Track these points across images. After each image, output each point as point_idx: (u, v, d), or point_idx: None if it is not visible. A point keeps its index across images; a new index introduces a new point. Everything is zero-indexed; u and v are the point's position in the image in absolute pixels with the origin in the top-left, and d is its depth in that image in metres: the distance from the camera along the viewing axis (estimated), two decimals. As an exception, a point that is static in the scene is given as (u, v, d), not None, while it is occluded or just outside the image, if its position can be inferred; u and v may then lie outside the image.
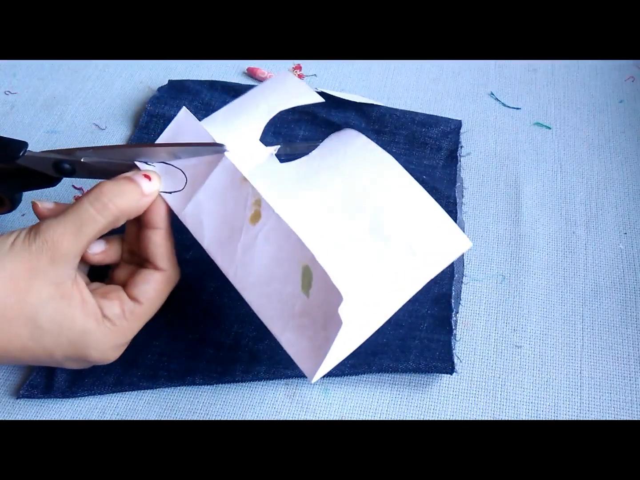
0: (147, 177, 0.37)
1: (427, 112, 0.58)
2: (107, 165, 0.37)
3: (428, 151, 0.55)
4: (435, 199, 0.51)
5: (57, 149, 0.37)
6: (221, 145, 0.36)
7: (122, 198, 0.35)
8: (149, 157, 0.37)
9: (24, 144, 0.36)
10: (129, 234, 0.39)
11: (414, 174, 0.52)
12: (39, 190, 0.41)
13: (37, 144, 0.56)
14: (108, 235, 0.38)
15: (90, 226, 0.34)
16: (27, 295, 0.33)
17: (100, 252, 0.38)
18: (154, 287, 0.37)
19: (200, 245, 0.49)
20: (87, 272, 0.40)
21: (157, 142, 0.39)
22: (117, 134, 0.57)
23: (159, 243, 0.37)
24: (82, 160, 0.36)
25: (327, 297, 0.33)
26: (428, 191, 0.51)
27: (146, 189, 0.36)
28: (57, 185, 0.40)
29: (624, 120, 0.58)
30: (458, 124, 0.57)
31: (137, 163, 0.37)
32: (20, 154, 0.36)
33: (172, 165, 0.37)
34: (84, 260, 0.38)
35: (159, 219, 0.37)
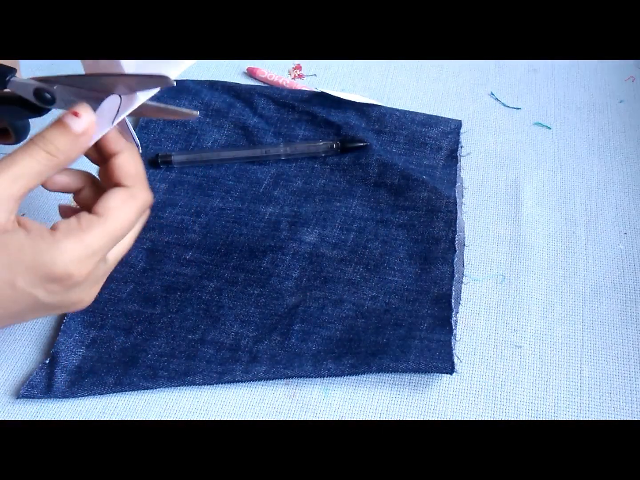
0: (75, 114, 0.35)
1: (427, 112, 0.58)
2: (81, 94, 0.36)
3: (428, 151, 0.55)
4: (435, 199, 0.51)
5: (39, 76, 0.37)
6: (167, 77, 0.35)
7: (54, 142, 0.34)
8: (114, 87, 0.36)
9: (11, 70, 0.36)
10: (101, 176, 0.38)
11: (414, 174, 0.53)
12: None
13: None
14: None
15: (22, 170, 0.34)
16: None
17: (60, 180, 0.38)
18: (115, 199, 0.36)
19: (201, 245, 0.49)
20: None
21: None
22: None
23: (122, 164, 0.37)
24: (55, 87, 0.35)
25: None
26: (428, 191, 0.52)
27: (77, 127, 0.35)
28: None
29: (624, 120, 0.58)
30: (458, 124, 0.57)
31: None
32: (7, 78, 0.36)
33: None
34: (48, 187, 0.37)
35: (114, 143, 0.37)
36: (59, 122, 0.35)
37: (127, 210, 0.36)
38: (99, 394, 0.42)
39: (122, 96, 0.36)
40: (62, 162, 0.35)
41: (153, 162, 0.55)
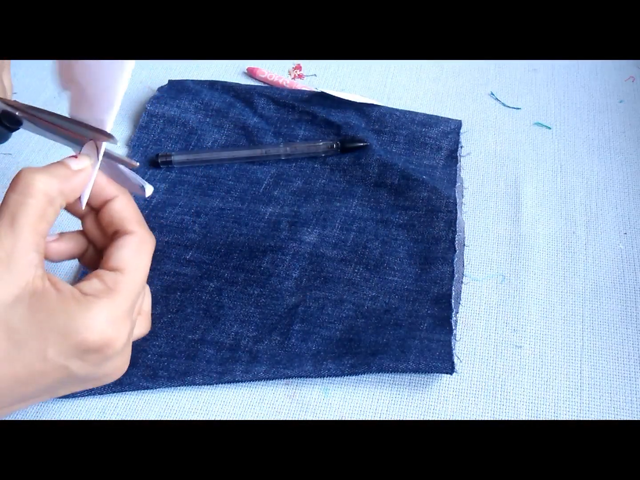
0: (74, 157, 0.34)
1: (427, 112, 0.58)
2: (49, 128, 0.35)
3: (428, 151, 0.55)
4: (435, 199, 0.51)
5: (6, 99, 0.36)
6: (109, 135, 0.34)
7: (48, 175, 0.32)
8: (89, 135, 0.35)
9: None
10: (89, 229, 0.36)
11: (414, 174, 0.53)
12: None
13: (37, 144, 0.57)
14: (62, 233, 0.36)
15: (23, 213, 0.31)
16: None
17: (53, 240, 0.35)
18: (129, 250, 0.34)
19: (201, 245, 0.49)
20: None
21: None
22: (117, 134, 0.57)
23: (120, 208, 0.35)
24: (18, 114, 0.34)
25: None
26: (428, 191, 0.52)
27: (74, 166, 0.33)
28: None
29: (624, 120, 0.58)
30: (458, 124, 0.57)
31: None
32: None
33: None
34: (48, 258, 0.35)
35: (111, 188, 0.35)
36: (53, 163, 0.33)
37: (145, 257, 0.34)
38: (99, 393, 0.43)
39: (97, 142, 0.34)
40: (55, 199, 0.32)
41: (153, 162, 0.55)
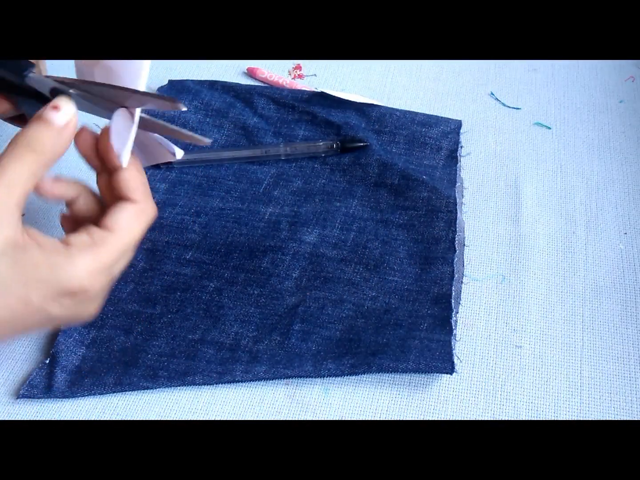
0: (55, 107, 0.35)
1: (427, 112, 0.58)
2: (95, 101, 0.36)
3: (428, 151, 0.55)
4: (435, 199, 0.51)
5: (57, 76, 0.37)
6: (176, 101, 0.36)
7: (40, 140, 0.34)
8: (125, 100, 0.36)
9: (30, 65, 0.37)
10: (100, 185, 0.38)
11: (414, 174, 0.53)
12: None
13: (37, 144, 0.56)
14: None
15: (13, 176, 0.33)
16: None
17: (52, 181, 0.37)
18: (126, 215, 0.36)
19: (201, 245, 0.49)
20: None
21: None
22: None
23: (129, 178, 0.36)
24: (71, 91, 0.35)
25: None
26: (428, 191, 0.52)
27: (59, 120, 0.35)
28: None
29: (624, 120, 0.58)
30: (458, 124, 0.57)
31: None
32: (25, 73, 0.36)
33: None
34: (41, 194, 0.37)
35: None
36: (39, 118, 0.35)
37: (137, 225, 0.36)
38: (99, 394, 0.42)
39: (130, 109, 0.36)
40: (49, 159, 0.35)
41: (153, 162, 0.54)
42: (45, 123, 0.35)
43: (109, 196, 0.38)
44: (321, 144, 0.55)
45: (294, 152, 0.55)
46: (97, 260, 0.34)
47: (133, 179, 0.37)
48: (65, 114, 0.35)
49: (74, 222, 0.38)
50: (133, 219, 0.36)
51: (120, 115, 0.36)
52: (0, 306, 0.32)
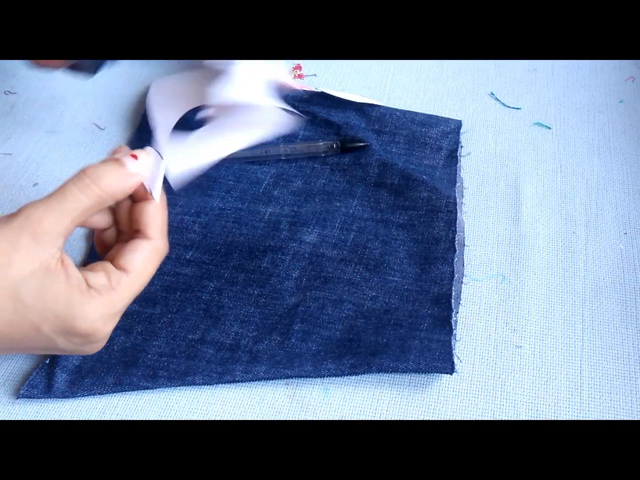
0: (134, 156, 0.36)
1: (427, 112, 0.58)
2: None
3: (428, 151, 0.55)
4: (435, 199, 0.51)
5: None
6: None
7: (106, 178, 0.35)
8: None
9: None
10: (121, 209, 0.39)
11: (414, 174, 0.53)
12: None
13: (37, 144, 0.57)
14: None
15: (72, 205, 0.34)
16: (9, 270, 0.33)
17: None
18: (141, 255, 0.37)
19: (201, 245, 0.49)
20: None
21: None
22: (117, 134, 0.57)
23: (152, 212, 0.37)
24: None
25: None
26: (428, 191, 0.52)
27: (132, 169, 0.36)
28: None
29: (624, 120, 0.58)
30: (458, 124, 0.57)
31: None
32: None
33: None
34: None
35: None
36: (113, 160, 0.36)
37: (151, 265, 0.37)
38: (99, 394, 0.42)
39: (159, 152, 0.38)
40: (107, 199, 0.36)
41: (153, 162, 0.54)
42: (119, 165, 0.36)
43: (124, 223, 0.39)
44: (321, 144, 0.55)
45: (294, 152, 0.55)
46: (112, 306, 0.36)
47: (154, 214, 0.38)
48: (139, 166, 0.36)
49: (103, 245, 0.40)
50: (148, 259, 0.37)
51: (150, 150, 0.37)
52: (15, 327, 0.34)
